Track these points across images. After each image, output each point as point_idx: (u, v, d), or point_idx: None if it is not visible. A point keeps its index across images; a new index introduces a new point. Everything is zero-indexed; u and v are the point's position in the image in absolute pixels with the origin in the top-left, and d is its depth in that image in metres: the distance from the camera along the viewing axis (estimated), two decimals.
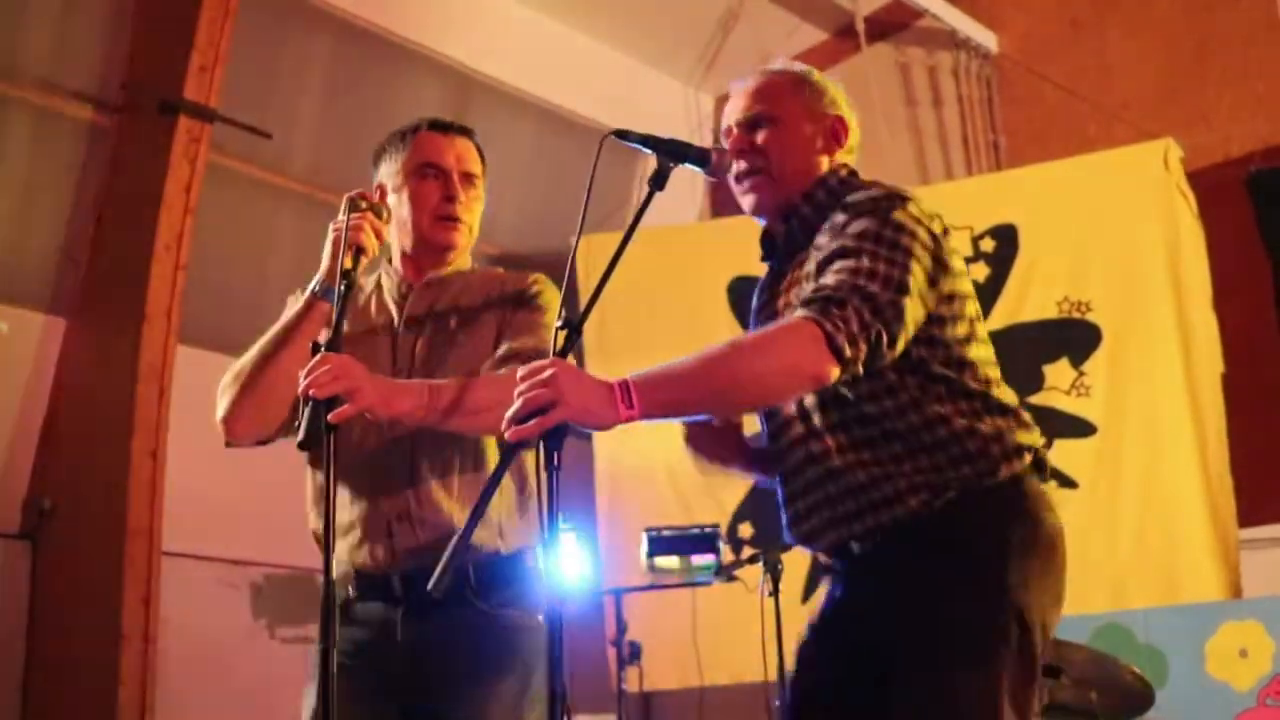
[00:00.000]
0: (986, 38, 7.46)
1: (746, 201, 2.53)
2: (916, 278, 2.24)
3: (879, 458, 2.30)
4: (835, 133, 2.54)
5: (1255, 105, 6.54)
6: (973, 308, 2.40)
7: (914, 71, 7.70)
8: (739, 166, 2.50)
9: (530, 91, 7.53)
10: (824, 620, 2.45)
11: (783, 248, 2.54)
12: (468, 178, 2.84)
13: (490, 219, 3.00)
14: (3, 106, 5.74)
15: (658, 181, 2.28)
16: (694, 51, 7.97)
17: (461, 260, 2.89)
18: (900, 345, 2.23)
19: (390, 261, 2.90)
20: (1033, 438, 2.35)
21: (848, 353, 2.13)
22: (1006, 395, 2.39)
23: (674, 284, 6.72)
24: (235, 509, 6.09)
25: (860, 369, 2.18)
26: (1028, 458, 2.32)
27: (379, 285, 2.90)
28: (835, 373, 2.15)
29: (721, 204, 7.72)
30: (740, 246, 6.10)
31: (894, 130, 7.46)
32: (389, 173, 2.86)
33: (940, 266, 2.32)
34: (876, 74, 7.40)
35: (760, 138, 2.50)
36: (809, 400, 2.36)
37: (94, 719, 5.46)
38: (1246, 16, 6.59)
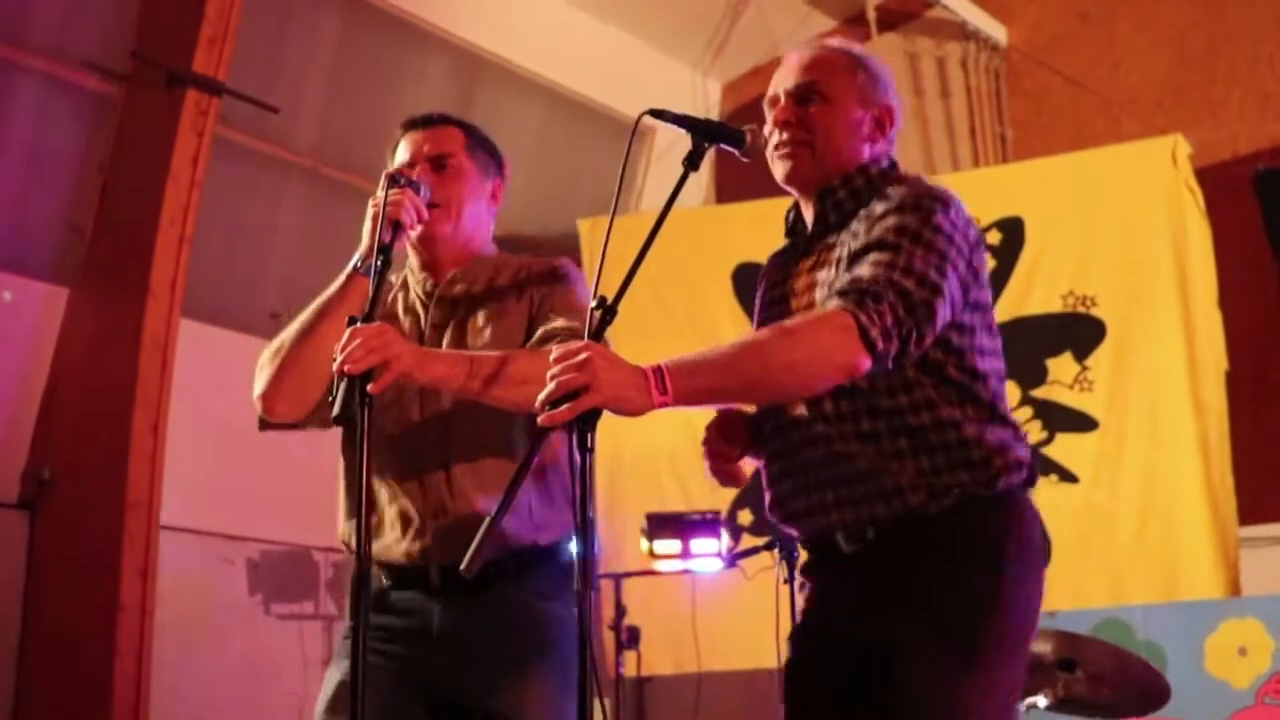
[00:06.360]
0: (996, 30, 7.46)
1: (781, 168, 2.48)
2: (950, 282, 2.25)
3: (883, 450, 2.30)
4: (882, 120, 2.54)
5: (1264, 103, 6.54)
6: (992, 319, 2.42)
7: (922, 62, 7.67)
8: (781, 136, 2.46)
9: (539, 73, 7.50)
10: (816, 618, 2.44)
11: (811, 227, 2.51)
12: (434, 160, 2.79)
13: None
14: (10, 74, 5.70)
15: (692, 161, 2.29)
16: (702, 37, 7.93)
17: (455, 239, 2.81)
18: (925, 345, 2.24)
19: (411, 265, 2.88)
20: (1027, 454, 2.38)
21: (880, 346, 2.14)
22: (1008, 407, 2.41)
23: (678, 269, 6.68)
24: (233, 484, 6.09)
25: (889, 364, 2.19)
26: (1024, 473, 2.35)
27: (405, 287, 2.87)
28: (867, 365, 2.15)
29: (726, 189, 7.70)
30: (745, 232, 6.14)
31: (901, 120, 7.43)
32: None
33: (973, 275, 2.33)
34: (885, 63, 7.37)
35: (810, 111, 2.47)
36: None
37: (90, 690, 5.46)
38: (1257, 14, 6.59)
